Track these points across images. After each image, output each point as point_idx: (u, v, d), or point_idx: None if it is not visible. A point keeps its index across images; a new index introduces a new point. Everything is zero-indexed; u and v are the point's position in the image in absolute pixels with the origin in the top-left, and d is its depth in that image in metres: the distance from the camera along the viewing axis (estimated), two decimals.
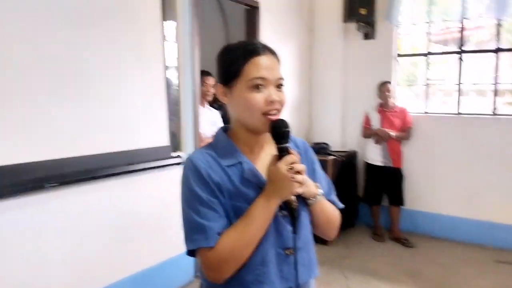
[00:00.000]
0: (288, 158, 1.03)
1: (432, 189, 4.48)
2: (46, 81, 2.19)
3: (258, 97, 1.05)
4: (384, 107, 4.40)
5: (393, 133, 4.28)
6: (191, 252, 1.06)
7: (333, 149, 4.60)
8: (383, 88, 4.38)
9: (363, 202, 4.66)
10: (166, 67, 2.94)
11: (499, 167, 4.11)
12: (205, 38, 3.38)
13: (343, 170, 4.44)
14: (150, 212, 2.92)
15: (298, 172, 1.04)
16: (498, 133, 4.11)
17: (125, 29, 2.61)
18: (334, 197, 1.27)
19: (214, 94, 3.77)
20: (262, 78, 1.06)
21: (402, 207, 4.44)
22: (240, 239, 1.02)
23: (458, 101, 4.35)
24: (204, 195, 1.04)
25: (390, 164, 4.35)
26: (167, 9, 2.91)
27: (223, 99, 1.14)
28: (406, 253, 4.04)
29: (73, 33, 2.30)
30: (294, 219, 1.09)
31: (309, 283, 1.18)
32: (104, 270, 2.60)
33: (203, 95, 3.59)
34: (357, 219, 4.80)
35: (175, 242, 3.09)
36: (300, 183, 1.05)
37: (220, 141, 1.15)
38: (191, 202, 1.05)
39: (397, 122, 4.35)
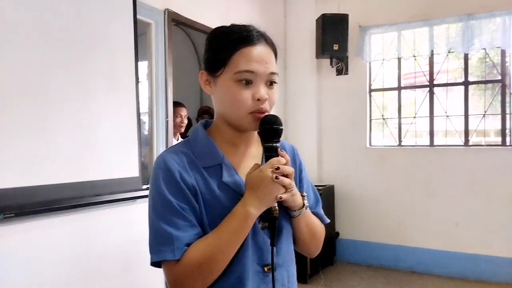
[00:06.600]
0: (273, 161, 0.90)
1: (411, 223, 4.41)
2: (11, 106, 2.05)
3: (245, 94, 0.93)
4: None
5: None
6: (156, 264, 0.92)
7: None
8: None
9: None
10: (138, 97, 2.84)
11: (476, 198, 4.09)
12: (176, 67, 3.34)
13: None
14: (117, 249, 2.69)
15: (285, 176, 0.91)
16: (471, 163, 4.13)
17: (97, 56, 2.52)
18: (321, 210, 1.16)
19: (187, 126, 3.69)
20: (251, 72, 0.93)
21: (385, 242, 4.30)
22: (209, 252, 0.88)
23: (431, 133, 4.40)
24: (174, 200, 0.90)
25: None
26: (140, 45, 2.87)
27: (206, 89, 1.01)
28: None
29: (45, 58, 2.21)
30: (274, 230, 0.94)
31: None
32: None
33: (176, 126, 3.50)
34: (335, 256, 4.66)
35: (144, 284, 2.89)
36: (286, 188, 0.91)
37: (199, 138, 1.01)
38: (159, 208, 0.91)
39: None
